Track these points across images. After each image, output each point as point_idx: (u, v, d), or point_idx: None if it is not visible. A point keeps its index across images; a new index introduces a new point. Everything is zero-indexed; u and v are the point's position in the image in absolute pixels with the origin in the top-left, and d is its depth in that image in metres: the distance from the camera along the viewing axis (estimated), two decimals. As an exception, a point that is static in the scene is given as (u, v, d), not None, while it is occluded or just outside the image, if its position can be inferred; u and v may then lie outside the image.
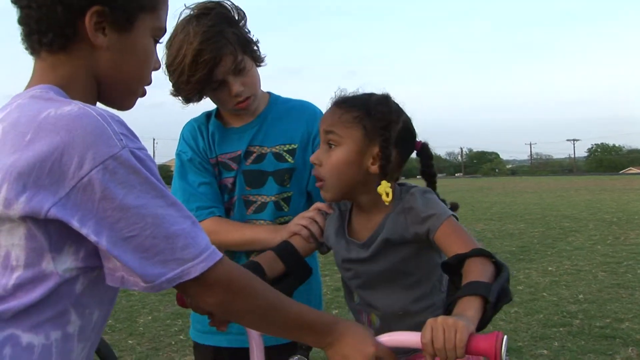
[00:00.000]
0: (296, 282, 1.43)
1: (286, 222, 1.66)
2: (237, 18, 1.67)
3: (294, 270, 1.44)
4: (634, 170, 73.14)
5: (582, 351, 3.96)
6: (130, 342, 4.54)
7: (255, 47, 1.70)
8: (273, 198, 1.75)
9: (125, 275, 0.93)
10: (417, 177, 1.52)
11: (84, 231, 0.88)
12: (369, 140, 1.35)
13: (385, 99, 1.39)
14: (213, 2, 1.65)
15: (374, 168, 1.36)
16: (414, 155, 1.48)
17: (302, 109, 1.82)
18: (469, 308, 1.07)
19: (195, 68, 1.59)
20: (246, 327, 1.32)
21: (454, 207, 1.43)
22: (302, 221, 1.54)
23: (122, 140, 0.90)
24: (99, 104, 1.07)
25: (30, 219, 0.88)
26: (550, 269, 6.88)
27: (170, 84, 1.68)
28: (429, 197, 1.36)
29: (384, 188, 1.34)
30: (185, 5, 1.66)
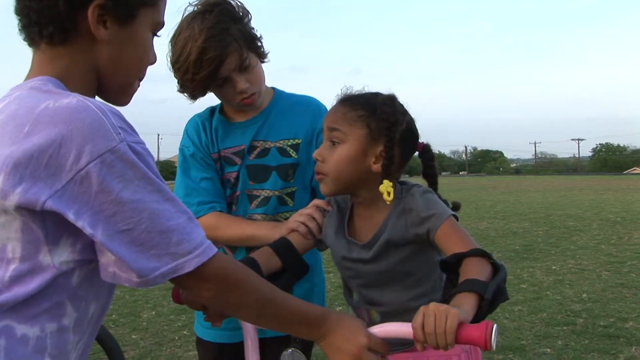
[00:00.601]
0: (293, 278, 1.44)
1: None
2: (241, 14, 1.66)
3: (290, 266, 1.45)
4: (638, 170, 72.90)
5: (586, 350, 3.95)
6: (133, 337, 4.56)
7: (259, 43, 1.70)
8: (277, 193, 1.75)
9: (117, 271, 0.93)
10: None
11: (79, 224, 0.88)
12: (373, 139, 1.35)
13: (390, 100, 1.39)
14: None
15: (376, 167, 1.36)
16: (416, 154, 1.48)
17: (307, 104, 1.82)
18: (464, 303, 1.08)
19: (200, 66, 1.58)
20: (241, 321, 1.33)
21: (456, 206, 1.43)
22: (300, 218, 1.54)
23: (120, 134, 0.90)
24: (97, 98, 1.07)
25: (27, 211, 0.88)
26: (554, 267, 6.86)
27: (176, 80, 1.68)
28: (429, 197, 1.37)
29: (386, 187, 1.34)
30: (189, 2, 1.65)
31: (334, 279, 6.10)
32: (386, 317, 1.40)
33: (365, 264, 1.41)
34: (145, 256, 0.91)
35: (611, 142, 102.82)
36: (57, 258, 0.91)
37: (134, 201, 0.90)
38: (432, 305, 1.03)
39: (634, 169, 75.70)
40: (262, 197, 1.76)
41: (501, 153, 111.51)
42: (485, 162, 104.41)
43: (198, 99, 1.74)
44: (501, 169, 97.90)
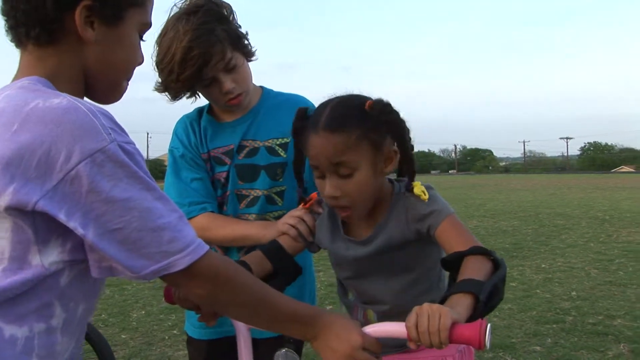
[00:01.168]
0: (284, 281, 1.43)
1: (282, 217, 1.64)
2: (226, 14, 1.65)
3: (281, 270, 1.44)
4: (626, 168, 73.59)
5: (575, 348, 3.98)
6: (123, 336, 4.53)
7: (246, 42, 1.69)
8: (266, 192, 1.75)
9: (113, 264, 0.93)
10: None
11: (70, 224, 0.88)
12: (378, 148, 1.30)
13: (376, 103, 1.30)
14: None
15: (389, 168, 1.34)
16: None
17: (295, 102, 1.81)
18: (459, 304, 1.07)
19: (184, 66, 1.58)
20: (233, 320, 1.32)
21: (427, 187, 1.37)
22: (290, 220, 1.53)
23: (110, 134, 0.90)
24: (85, 99, 1.07)
25: (17, 211, 0.88)
26: (543, 266, 6.90)
27: (158, 80, 1.68)
28: (430, 193, 1.35)
29: (420, 188, 1.32)
30: (175, 3, 1.65)
31: (323, 277, 6.10)
32: (383, 318, 1.39)
33: (364, 261, 1.40)
34: (136, 255, 0.91)
35: (599, 141, 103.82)
36: (47, 258, 0.91)
37: (124, 200, 0.89)
38: (426, 305, 1.03)
39: (622, 168, 76.41)
40: (251, 196, 1.75)
41: (490, 152, 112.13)
42: (474, 160, 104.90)
43: (181, 99, 1.73)
44: (490, 167, 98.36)
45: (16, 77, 1.02)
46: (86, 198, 0.87)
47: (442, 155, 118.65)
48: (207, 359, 1.83)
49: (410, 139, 1.34)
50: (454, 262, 1.22)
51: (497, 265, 1.19)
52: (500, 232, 10.21)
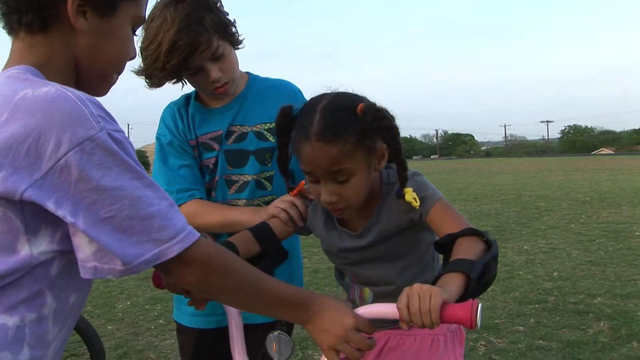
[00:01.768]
0: (271, 264, 1.43)
1: (271, 201, 1.65)
2: (213, 1, 1.64)
3: (269, 252, 1.44)
4: (606, 151, 74.45)
5: (557, 327, 4.05)
6: (109, 327, 4.52)
7: (233, 29, 1.69)
8: (255, 177, 1.75)
9: (97, 265, 0.92)
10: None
11: (60, 213, 0.88)
12: (370, 152, 1.31)
13: (368, 107, 1.27)
14: None
15: (382, 164, 1.36)
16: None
17: (282, 87, 1.82)
18: (450, 284, 1.09)
19: (170, 56, 1.57)
20: (225, 305, 1.33)
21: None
22: (282, 204, 1.54)
23: (99, 122, 0.89)
24: None
25: (5, 200, 0.87)
26: (525, 247, 6.99)
27: (141, 65, 1.66)
28: (418, 179, 1.36)
29: (411, 195, 1.32)
30: None
31: (308, 264, 6.11)
32: (379, 297, 1.41)
33: (360, 252, 1.42)
34: (128, 243, 0.91)
35: (579, 124, 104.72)
36: (36, 248, 0.91)
37: (114, 188, 0.89)
38: (416, 285, 1.04)
39: (602, 150, 77.28)
40: (241, 181, 1.75)
41: (472, 136, 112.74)
42: (456, 145, 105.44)
43: (160, 87, 1.70)
44: (472, 152, 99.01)
45: (7, 65, 1.01)
46: (76, 187, 0.87)
47: (423, 140, 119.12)
48: (198, 346, 1.83)
49: (401, 144, 1.33)
50: (447, 245, 1.23)
51: (489, 245, 1.20)
52: (483, 215, 10.30)
